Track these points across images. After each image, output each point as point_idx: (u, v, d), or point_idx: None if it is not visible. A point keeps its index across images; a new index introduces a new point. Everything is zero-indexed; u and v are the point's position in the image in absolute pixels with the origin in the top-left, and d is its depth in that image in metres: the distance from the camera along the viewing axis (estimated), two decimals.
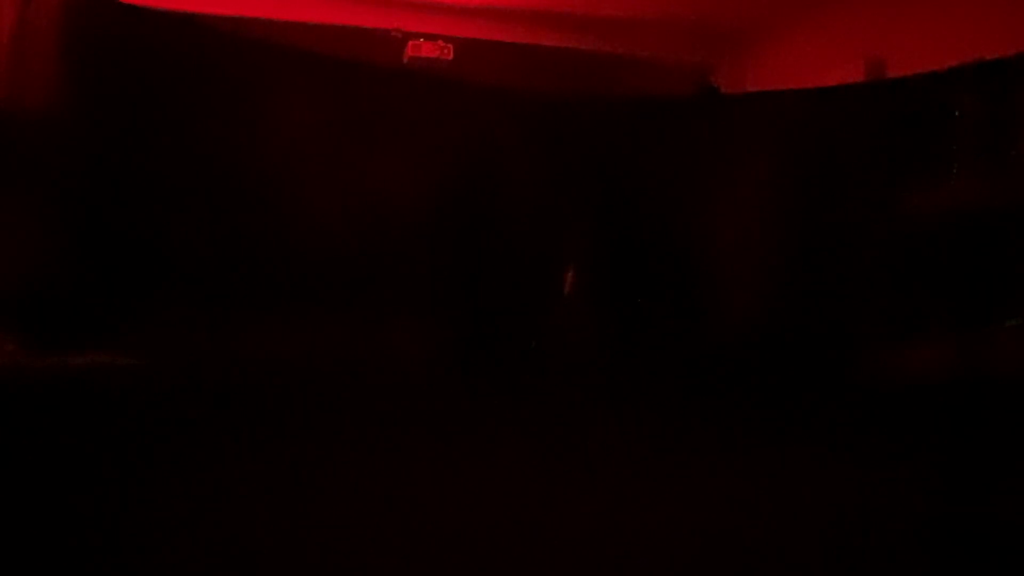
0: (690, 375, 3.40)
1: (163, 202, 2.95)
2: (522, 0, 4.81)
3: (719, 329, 3.59)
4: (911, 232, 3.21)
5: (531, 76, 4.53)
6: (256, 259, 3.14)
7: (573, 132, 3.82)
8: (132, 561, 2.04)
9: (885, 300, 3.27)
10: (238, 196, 3.17)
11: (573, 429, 3.06)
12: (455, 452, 2.76)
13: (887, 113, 3.44)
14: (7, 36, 2.70)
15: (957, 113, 3.20)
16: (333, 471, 2.57)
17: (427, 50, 4.75)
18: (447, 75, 4.56)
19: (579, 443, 2.95)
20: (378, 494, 2.47)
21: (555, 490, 2.61)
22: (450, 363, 3.34)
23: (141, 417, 2.57)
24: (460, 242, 3.55)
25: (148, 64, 3.00)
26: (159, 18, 3.21)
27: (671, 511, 2.54)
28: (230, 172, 3.17)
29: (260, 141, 3.21)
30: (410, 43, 4.78)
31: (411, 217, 3.44)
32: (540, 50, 5.07)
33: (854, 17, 4.44)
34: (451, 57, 4.78)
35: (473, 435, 2.91)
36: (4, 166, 2.64)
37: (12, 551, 1.99)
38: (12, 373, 2.52)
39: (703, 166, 3.78)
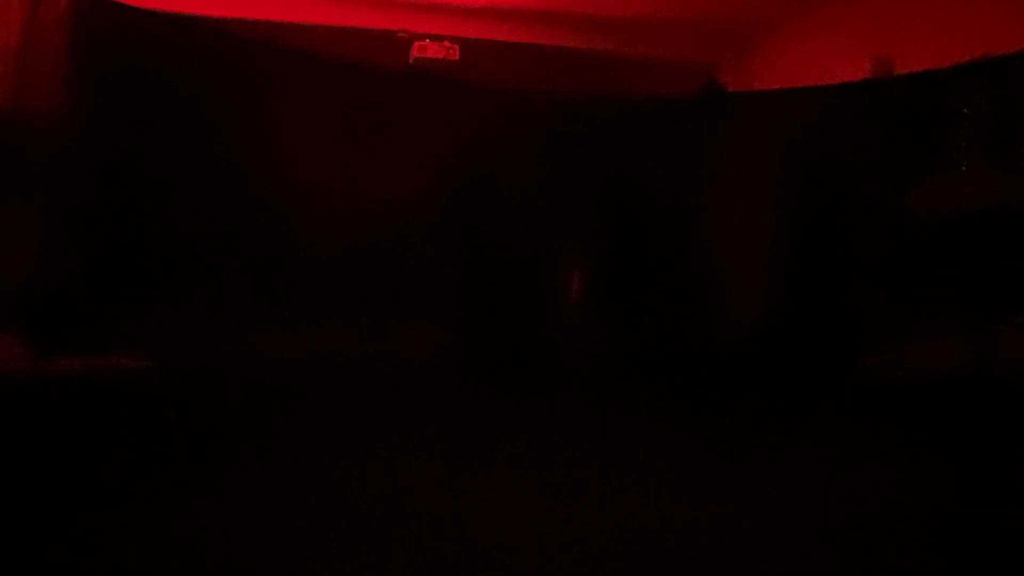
0: (696, 374, 3.40)
1: (170, 204, 2.97)
2: (528, 0, 4.80)
3: (727, 327, 3.59)
4: (919, 229, 3.20)
5: (537, 76, 4.52)
6: (262, 261, 3.15)
7: (579, 132, 3.82)
8: (137, 558, 2.05)
9: (894, 298, 3.27)
10: (245, 198, 3.18)
11: (578, 428, 3.05)
12: (459, 450, 2.77)
13: (894, 110, 3.43)
14: (16, 39, 2.71)
15: (965, 110, 3.19)
16: (338, 469, 2.58)
17: (433, 51, 4.74)
18: (453, 76, 4.55)
19: (585, 441, 2.95)
20: (383, 492, 2.48)
21: (559, 488, 2.61)
22: (455, 362, 3.34)
23: (148, 417, 2.58)
24: (465, 241, 3.56)
25: (156, 67, 3.01)
26: (166, 21, 3.22)
27: (677, 509, 2.54)
28: (238, 174, 3.18)
29: (267, 143, 3.22)
30: (416, 44, 4.78)
31: (417, 217, 3.45)
32: (546, 50, 5.06)
33: (860, 15, 4.42)
34: (457, 58, 4.77)
35: (477, 434, 2.91)
36: (12, 168, 2.65)
37: (15, 548, 2.00)
38: (20, 375, 2.53)
39: (710, 165, 3.78)
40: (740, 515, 2.54)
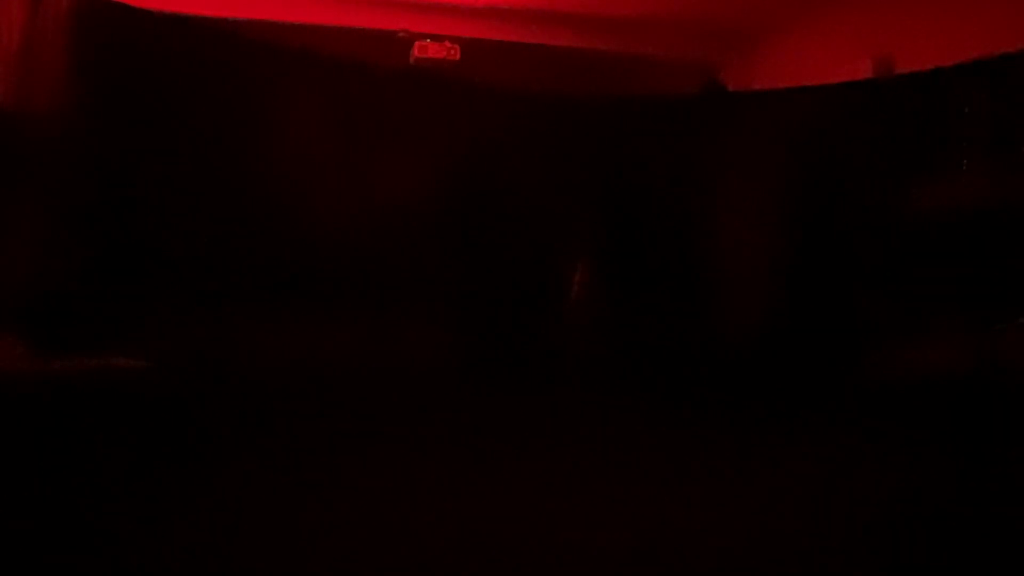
0: (698, 373, 3.40)
1: (171, 204, 2.97)
2: (529, 0, 4.80)
3: (728, 327, 3.59)
4: (920, 229, 3.20)
5: (538, 76, 4.52)
6: (263, 261, 3.15)
7: (580, 132, 3.82)
8: (138, 559, 2.05)
9: (895, 298, 3.26)
10: (246, 198, 3.18)
11: (580, 428, 3.06)
12: (460, 450, 2.77)
13: (895, 110, 3.43)
14: (17, 39, 2.71)
15: (965, 109, 3.18)
16: (339, 469, 2.58)
17: (433, 51, 4.74)
18: (454, 76, 4.55)
19: (586, 441, 2.95)
20: (385, 492, 2.48)
21: (561, 488, 2.61)
22: (456, 362, 3.34)
23: (148, 418, 2.58)
24: (466, 242, 3.56)
25: (156, 67, 3.01)
26: (166, 21, 3.22)
27: (678, 509, 2.54)
28: (238, 174, 3.18)
29: (268, 143, 3.22)
30: (416, 44, 4.78)
31: (418, 217, 3.45)
32: (547, 50, 5.06)
33: (861, 14, 4.42)
34: (458, 57, 4.78)
35: (479, 433, 2.91)
36: (13, 168, 2.65)
37: (16, 548, 2.01)
38: (21, 376, 2.53)
39: (711, 164, 3.78)
40: (741, 515, 2.54)
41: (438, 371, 3.24)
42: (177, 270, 2.98)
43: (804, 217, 3.56)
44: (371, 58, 3.96)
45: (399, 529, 2.35)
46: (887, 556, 2.33)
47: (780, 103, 3.83)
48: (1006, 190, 3.03)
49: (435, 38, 4.79)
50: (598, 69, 5.11)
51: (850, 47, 4.36)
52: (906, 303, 3.20)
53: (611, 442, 2.95)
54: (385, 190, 3.41)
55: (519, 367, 3.39)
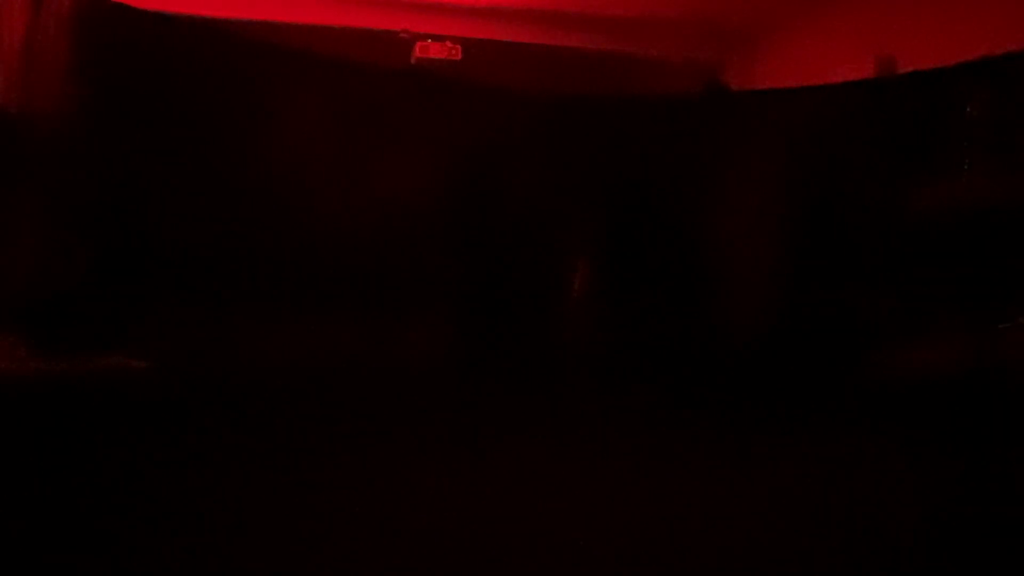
0: (698, 373, 3.39)
1: (172, 205, 2.97)
2: (531, 0, 4.81)
3: (729, 327, 3.58)
4: (922, 229, 3.19)
5: (540, 76, 4.52)
6: (265, 261, 3.15)
7: (582, 132, 3.81)
8: (138, 561, 2.06)
9: (896, 298, 3.26)
10: (248, 199, 3.18)
11: (580, 427, 3.05)
12: (462, 450, 2.77)
13: (897, 109, 3.42)
14: (19, 41, 2.72)
15: (968, 109, 3.18)
16: (340, 469, 2.58)
17: (435, 51, 4.75)
18: (455, 76, 4.56)
19: (588, 441, 2.95)
20: (384, 494, 2.48)
21: (562, 488, 2.61)
22: (459, 362, 3.34)
23: (151, 419, 2.58)
24: (467, 242, 3.56)
25: (158, 68, 3.01)
26: (169, 22, 3.22)
27: (679, 509, 2.54)
28: (240, 175, 3.18)
29: (269, 144, 3.22)
30: (418, 44, 4.79)
31: (419, 218, 3.45)
32: (548, 50, 5.06)
33: (864, 13, 4.41)
34: (459, 58, 4.78)
35: (480, 433, 2.91)
36: (14, 169, 2.66)
37: (16, 549, 2.01)
38: (24, 377, 2.54)
39: (712, 164, 3.77)
40: (741, 514, 2.53)
41: (438, 371, 3.24)
42: (178, 270, 2.98)
43: (806, 217, 3.55)
44: (372, 58, 3.96)
45: (399, 529, 2.35)
46: (887, 556, 2.32)
47: (782, 103, 3.81)
48: (1008, 190, 3.03)
49: (436, 38, 4.79)
50: (601, 69, 5.12)
51: (853, 46, 4.35)
52: (906, 303, 3.20)
53: (611, 442, 2.95)
54: (386, 191, 3.41)
55: (519, 367, 3.39)
